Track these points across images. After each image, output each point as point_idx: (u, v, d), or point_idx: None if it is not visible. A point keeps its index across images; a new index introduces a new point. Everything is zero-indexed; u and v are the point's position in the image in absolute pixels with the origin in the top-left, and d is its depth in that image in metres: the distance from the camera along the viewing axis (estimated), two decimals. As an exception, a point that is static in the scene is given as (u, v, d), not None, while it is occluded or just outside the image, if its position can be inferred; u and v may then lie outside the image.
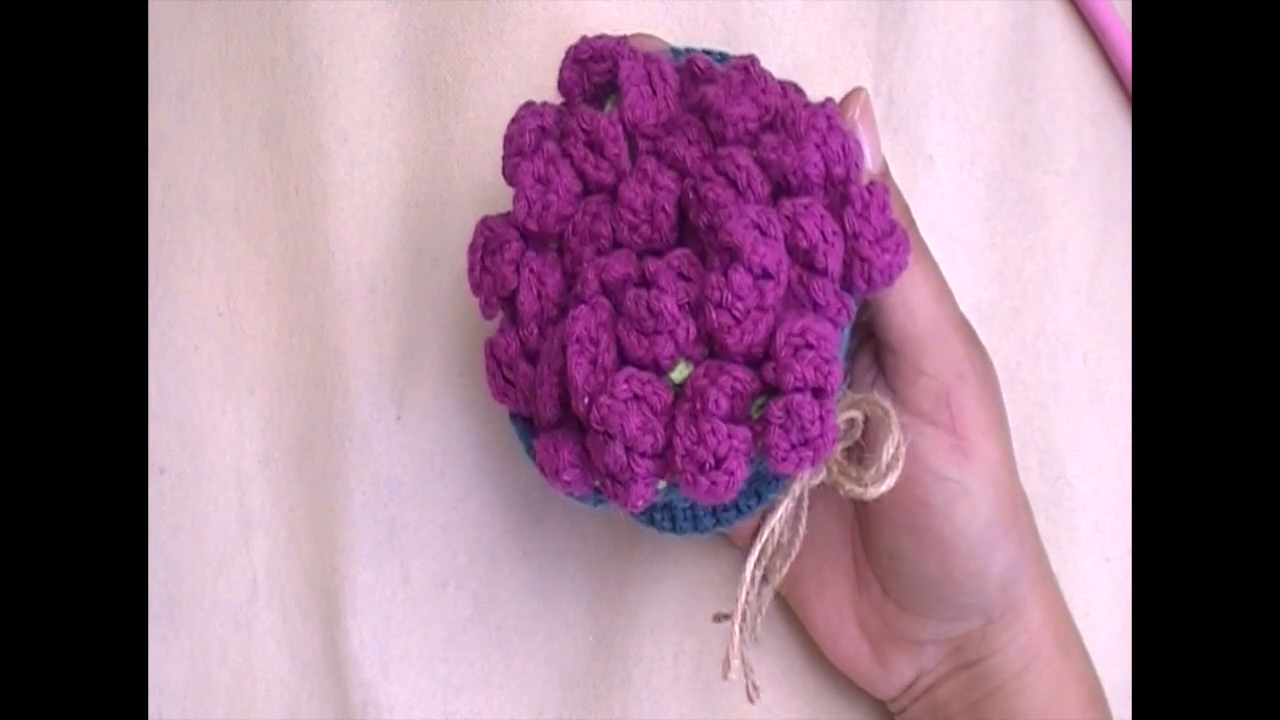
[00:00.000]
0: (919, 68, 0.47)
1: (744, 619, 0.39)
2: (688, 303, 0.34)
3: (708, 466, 0.33)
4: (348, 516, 0.46)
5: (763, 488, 0.38)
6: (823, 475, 0.38)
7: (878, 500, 0.37)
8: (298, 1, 0.47)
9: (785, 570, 0.40)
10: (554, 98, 0.38)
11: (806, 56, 0.47)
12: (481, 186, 0.46)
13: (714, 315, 0.34)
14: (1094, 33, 0.47)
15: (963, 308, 0.40)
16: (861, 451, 0.37)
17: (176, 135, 0.47)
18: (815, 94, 0.38)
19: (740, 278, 0.33)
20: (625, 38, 0.38)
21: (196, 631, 0.47)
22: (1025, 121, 0.47)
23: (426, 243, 0.47)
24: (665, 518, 0.40)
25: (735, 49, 0.46)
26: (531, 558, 0.47)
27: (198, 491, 0.47)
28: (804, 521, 0.39)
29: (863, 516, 0.42)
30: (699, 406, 0.33)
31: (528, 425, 0.38)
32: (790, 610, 0.45)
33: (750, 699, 0.41)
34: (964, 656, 0.41)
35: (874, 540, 0.41)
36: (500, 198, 0.38)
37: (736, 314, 0.33)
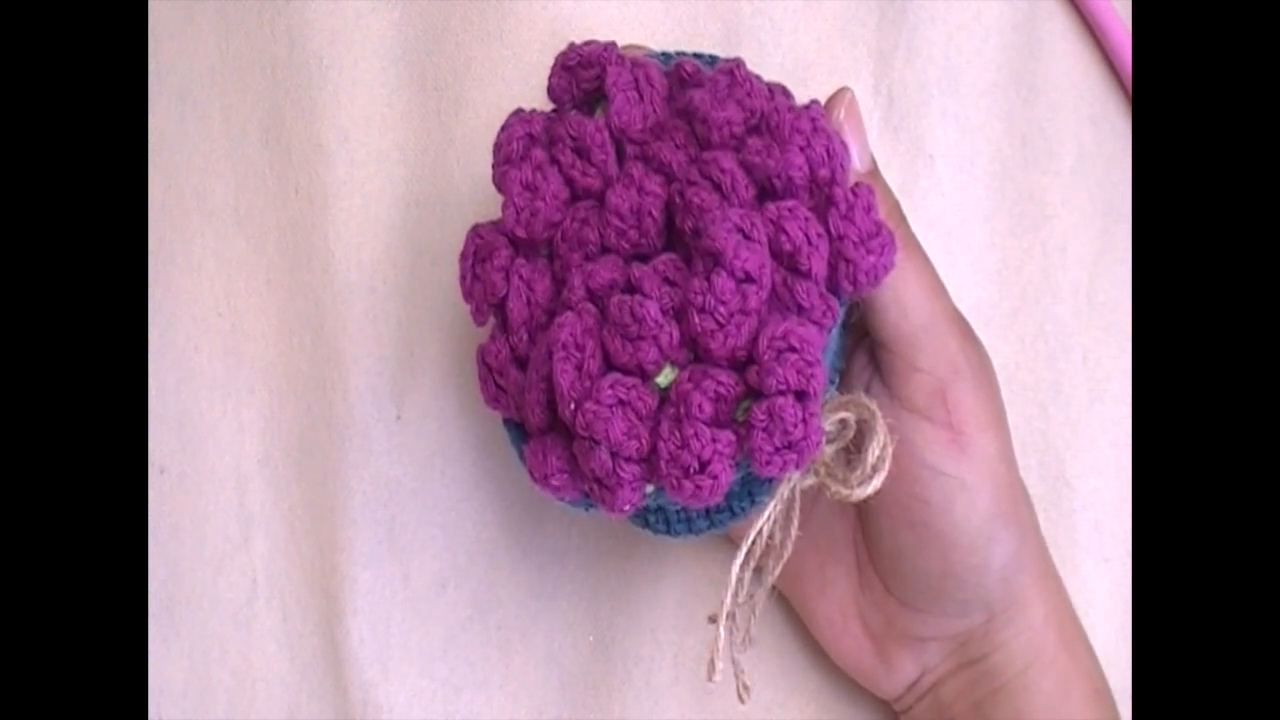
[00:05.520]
0: (919, 68, 0.47)
1: (733, 620, 0.39)
2: (672, 307, 0.34)
3: (692, 470, 0.33)
4: (348, 516, 0.46)
5: (755, 489, 0.38)
6: (812, 477, 0.38)
7: (876, 498, 0.37)
8: (297, 1, 0.47)
9: (778, 571, 0.40)
10: (553, 98, 0.39)
11: (806, 56, 0.47)
12: (481, 186, 0.46)
13: (697, 320, 0.34)
14: (1094, 33, 0.47)
15: (962, 307, 0.40)
16: (854, 453, 0.37)
17: (176, 135, 0.47)
18: (815, 94, 0.37)
19: (723, 282, 0.33)
20: (613, 43, 0.37)
21: (196, 631, 0.47)
22: (1025, 121, 0.47)
23: (426, 243, 0.47)
24: (659, 520, 0.40)
25: (735, 49, 0.46)
26: (531, 557, 0.47)
27: (198, 491, 0.47)
28: (796, 522, 0.39)
29: (864, 514, 0.42)
30: (683, 411, 0.33)
31: (520, 431, 0.38)
32: (791, 610, 0.45)
33: (741, 699, 0.41)
34: (967, 653, 0.41)
35: (875, 537, 0.41)
36: (499, 198, 0.38)
37: (719, 318, 0.33)
